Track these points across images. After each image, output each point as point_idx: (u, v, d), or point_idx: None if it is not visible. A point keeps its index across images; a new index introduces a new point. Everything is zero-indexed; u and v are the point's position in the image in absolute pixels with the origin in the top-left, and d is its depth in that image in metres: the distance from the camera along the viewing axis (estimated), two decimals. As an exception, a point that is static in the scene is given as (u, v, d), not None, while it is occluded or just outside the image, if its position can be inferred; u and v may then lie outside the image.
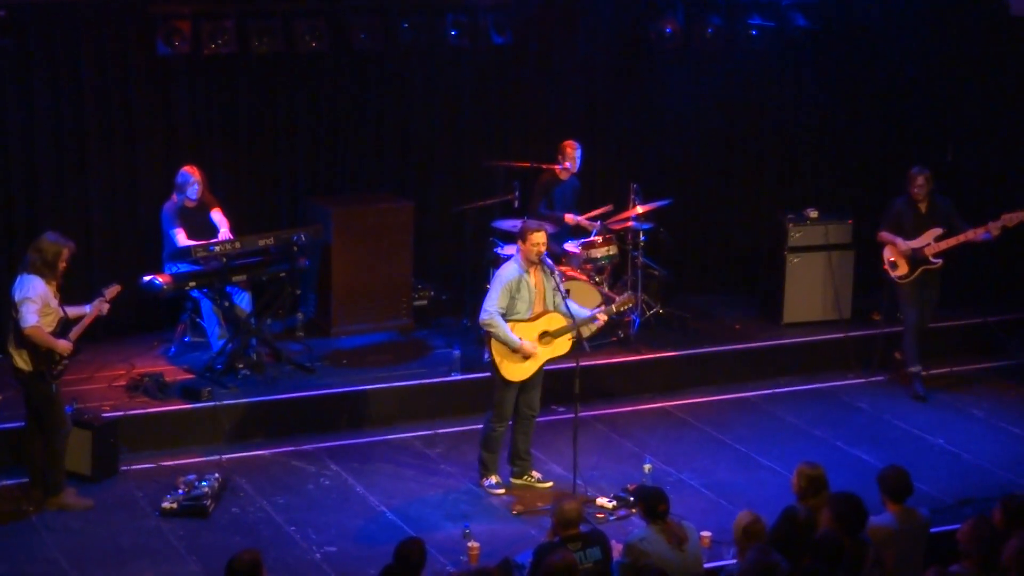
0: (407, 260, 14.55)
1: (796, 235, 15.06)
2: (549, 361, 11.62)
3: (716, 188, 16.31)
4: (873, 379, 14.42)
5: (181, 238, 13.02)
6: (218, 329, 13.32)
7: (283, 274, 13.34)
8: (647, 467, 11.64)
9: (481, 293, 12.10)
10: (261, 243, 13.16)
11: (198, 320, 13.59)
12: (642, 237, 14.48)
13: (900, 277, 13.87)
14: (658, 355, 14.23)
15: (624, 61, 15.64)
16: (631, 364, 14.06)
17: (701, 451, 12.70)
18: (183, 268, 12.95)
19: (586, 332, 11.71)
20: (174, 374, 13.11)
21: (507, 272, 11.41)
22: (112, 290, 11.28)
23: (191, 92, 14.08)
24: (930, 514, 9.54)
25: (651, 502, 9.12)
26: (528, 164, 14.56)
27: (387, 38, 14.23)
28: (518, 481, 11.80)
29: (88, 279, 13.31)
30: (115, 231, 13.98)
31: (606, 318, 11.74)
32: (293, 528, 10.98)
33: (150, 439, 12.29)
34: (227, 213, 13.42)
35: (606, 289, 14.13)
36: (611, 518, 11.20)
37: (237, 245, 12.95)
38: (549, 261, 11.48)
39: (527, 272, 11.37)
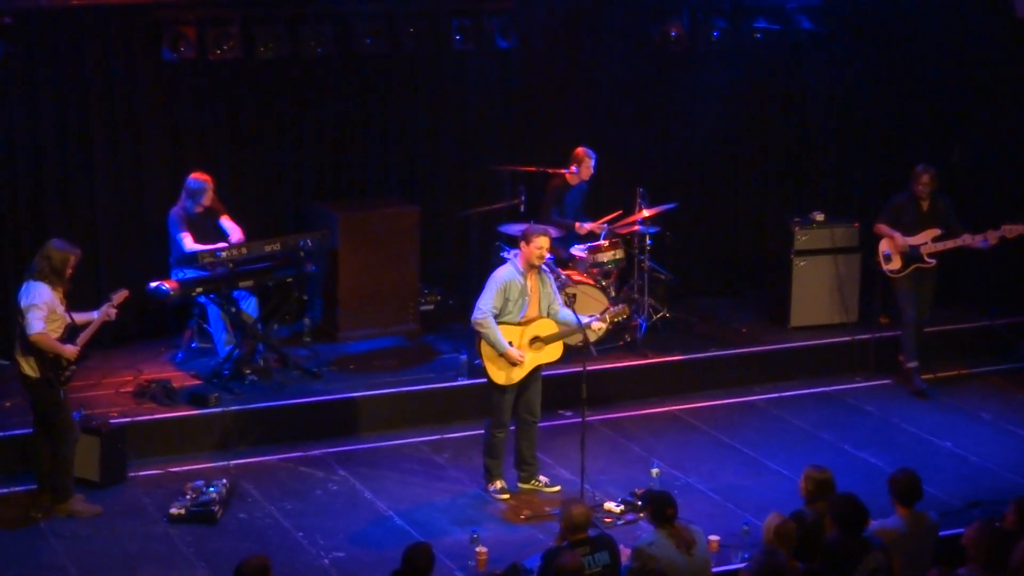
0: (413, 265, 14.55)
1: (802, 238, 15.05)
2: (544, 366, 11.62)
3: (722, 191, 16.30)
4: (880, 382, 14.40)
5: (188, 242, 13.02)
6: (225, 335, 13.32)
7: (290, 279, 13.34)
8: (655, 471, 11.62)
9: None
10: (268, 248, 13.17)
11: (205, 326, 13.59)
12: (648, 241, 14.47)
13: (891, 271, 13.90)
14: (665, 359, 14.22)
15: (629, 65, 15.63)
16: (638, 368, 14.05)
17: (709, 455, 12.70)
18: (190, 274, 12.95)
19: (576, 339, 11.69)
20: (181, 380, 13.12)
21: (503, 274, 11.40)
22: (120, 295, 11.28)
23: (197, 97, 14.09)
24: (939, 517, 9.55)
25: (659, 506, 9.12)
26: (534, 168, 14.56)
27: (392, 43, 14.23)
28: (525, 486, 11.80)
29: (95, 285, 13.32)
30: (121, 237, 13.99)
31: (603, 326, 11.71)
32: (301, 533, 10.98)
33: (158, 445, 12.30)
34: (233, 218, 13.42)
35: (612, 293, 14.13)
36: (619, 522, 11.19)
37: (244, 250, 12.96)
38: (554, 267, 11.47)
39: (524, 276, 11.35)
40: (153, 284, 12.70)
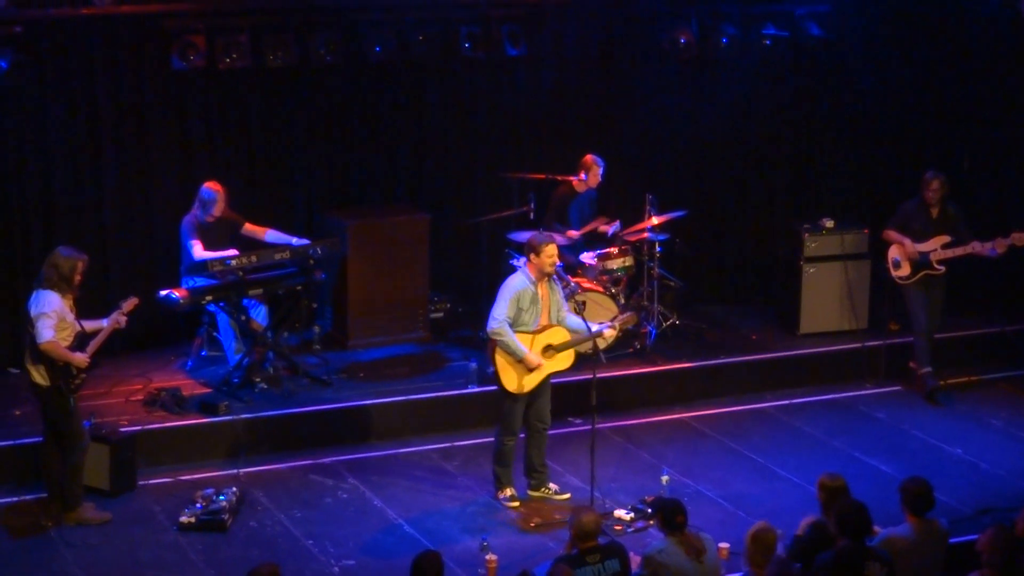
0: (423, 272, 14.57)
1: (812, 245, 15.04)
2: (554, 374, 11.62)
3: (731, 198, 16.30)
4: (890, 389, 14.39)
5: (198, 250, 13.04)
6: (235, 343, 13.34)
7: (300, 287, 13.36)
8: (664, 478, 11.62)
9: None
10: (277, 256, 13.19)
11: (215, 334, 13.60)
12: (658, 248, 14.46)
13: (900, 277, 13.90)
14: (674, 366, 14.22)
15: (638, 72, 15.64)
16: (648, 375, 14.05)
17: (718, 462, 12.68)
18: (200, 282, 12.97)
19: (586, 347, 11.68)
20: (191, 388, 13.13)
21: (515, 283, 11.39)
22: (130, 303, 11.29)
23: (206, 106, 14.12)
24: (949, 525, 9.53)
25: (669, 514, 9.11)
26: (543, 176, 14.57)
27: (401, 51, 14.24)
28: (535, 494, 11.79)
29: (105, 293, 13.34)
30: (131, 245, 14.01)
31: (613, 333, 11.71)
32: (311, 542, 10.98)
33: (168, 453, 12.31)
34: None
35: (622, 300, 14.12)
36: (629, 530, 11.18)
37: (254, 259, 12.98)
38: (563, 274, 11.48)
39: (535, 284, 11.36)
40: (163, 292, 12.73)
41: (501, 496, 11.69)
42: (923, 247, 13.80)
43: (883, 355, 14.58)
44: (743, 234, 16.38)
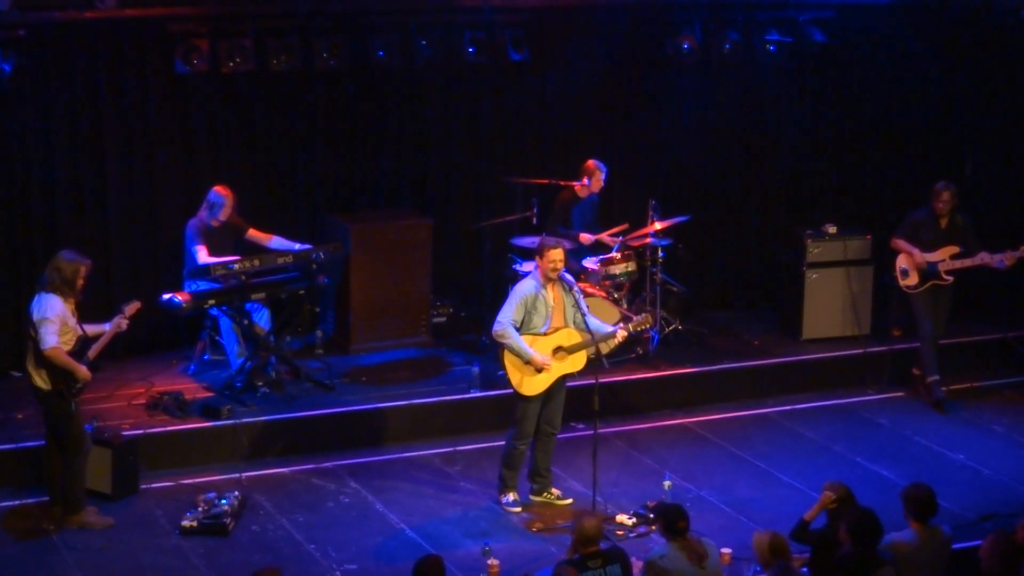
0: (426, 277, 14.56)
1: (815, 251, 15.03)
2: (566, 377, 11.62)
3: (734, 204, 16.28)
4: (892, 395, 14.38)
5: (202, 255, 13.04)
6: (237, 347, 13.34)
7: (302, 291, 13.36)
8: (667, 484, 11.61)
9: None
10: (280, 260, 13.20)
11: (217, 338, 13.61)
12: (661, 253, 14.46)
13: (908, 287, 13.90)
14: (677, 371, 14.22)
15: (642, 77, 15.63)
16: (650, 381, 14.05)
17: (721, 467, 12.68)
18: (202, 286, 12.98)
19: (604, 348, 11.70)
20: (194, 392, 13.13)
21: (524, 287, 11.43)
22: (132, 307, 11.29)
23: (210, 110, 14.12)
24: (952, 531, 9.53)
25: (671, 519, 9.11)
26: (547, 181, 14.57)
27: (405, 55, 14.24)
28: (538, 498, 11.79)
29: (107, 297, 13.34)
30: (134, 249, 14.01)
31: (625, 335, 11.72)
32: (313, 546, 10.98)
33: (170, 457, 12.31)
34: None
35: (624, 306, 14.12)
36: (631, 535, 11.18)
37: (256, 263, 12.98)
38: (569, 277, 11.49)
39: (544, 288, 11.37)
40: (166, 296, 12.72)
41: (503, 499, 11.69)
42: (932, 257, 13.79)
43: (887, 361, 14.57)
44: (746, 239, 16.37)
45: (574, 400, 12.31)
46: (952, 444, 13.24)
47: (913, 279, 13.88)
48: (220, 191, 13.27)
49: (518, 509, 11.63)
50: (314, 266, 13.26)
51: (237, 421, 12.55)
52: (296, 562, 10.66)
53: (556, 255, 11.26)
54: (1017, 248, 13.69)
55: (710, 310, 15.90)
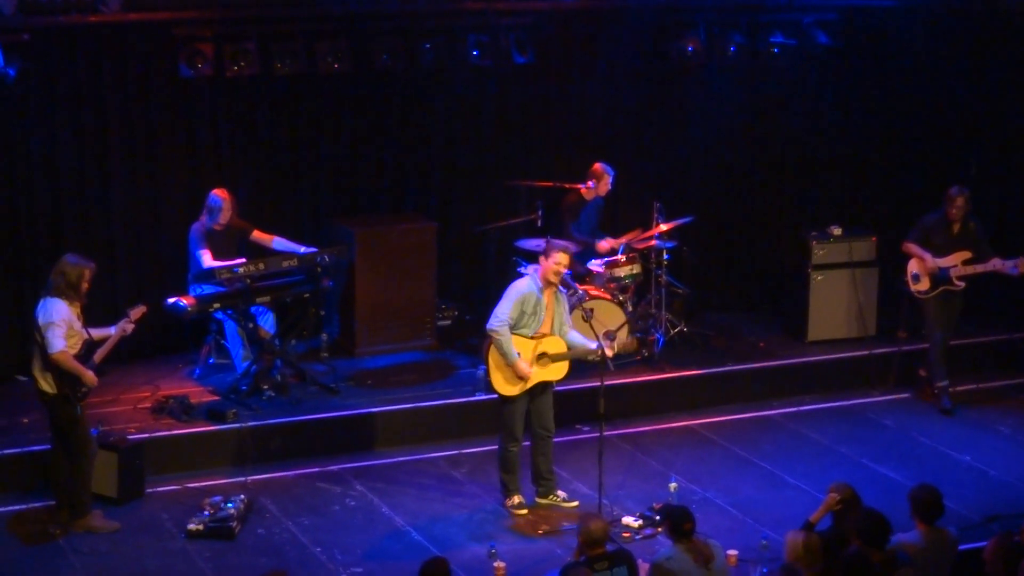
0: (431, 280, 14.56)
1: (820, 252, 15.03)
2: (558, 382, 11.63)
3: (739, 206, 16.28)
4: (898, 396, 14.38)
5: (207, 259, 13.05)
6: (243, 350, 13.35)
7: (307, 295, 13.37)
8: (673, 486, 11.59)
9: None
10: (285, 264, 13.20)
11: (223, 342, 13.61)
12: (665, 255, 14.46)
13: (919, 292, 13.88)
14: (682, 374, 14.22)
15: (646, 80, 15.63)
16: (656, 383, 14.04)
17: (726, 469, 12.68)
18: (207, 290, 12.98)
19: (593, 355, 11.61)
20: (199, 396, 13.13)
21: (522, 286, 11.40)
22: (137, 311, 11.30)
23: (214, 114, 14.12)
24: (958, 532, 9.52)
25: (677, 521, 9.11)
26: (551, 184, 14.57)
27: (409, 59, 14.25)
28: (543, 501, 11.79)
29: (112, 301, 13.34)
30: (139, 253, 14.02)
31: (611, 353, 11.55)
32: (319, 549, 10.98)
33: (176, 461, 12.32)
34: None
35: (630, 308, 14.12)
36: (637, 537, 11.18)
37: (261, 266, 12.99)
38: (571, 282, 11.48)
39: (541, 292, 11.35)
40: (171, 300, 12.72)
41: (508, 503, 11.69)
42: (944, 262, 13.77)
43: (894, 363, 14.56)
44: (751, 241, 16.37)
45: (579, 403, 12.32)
46: (958, 445, 13.23)
47: (924, 284, 13.86)
48: (218, 193, 13.27)
49: (524, 512, 11.63)
50: (319, 269, 13.26)
51: (242, 425, 12.55)
52: (302, 565, 10.66)
53: (561, 258, 11.24)
54: None
55: (715, 312, 15.90)
